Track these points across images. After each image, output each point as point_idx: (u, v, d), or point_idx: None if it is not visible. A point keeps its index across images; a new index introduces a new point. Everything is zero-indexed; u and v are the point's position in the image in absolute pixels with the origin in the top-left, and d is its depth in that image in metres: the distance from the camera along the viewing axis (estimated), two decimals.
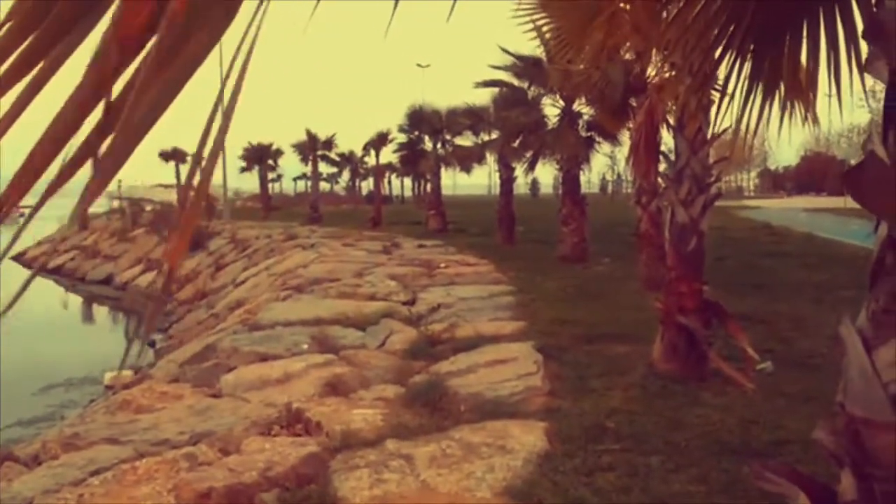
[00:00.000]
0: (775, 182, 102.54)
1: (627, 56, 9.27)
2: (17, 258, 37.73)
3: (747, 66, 4.25)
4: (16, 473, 4.99)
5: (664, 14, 4.91)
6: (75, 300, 27.17)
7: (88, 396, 11.33)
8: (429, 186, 32.67)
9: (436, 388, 5.92)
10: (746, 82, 4.23)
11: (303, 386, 6.42)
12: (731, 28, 4.12)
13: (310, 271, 14.72)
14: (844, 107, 3.62)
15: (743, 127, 4.28)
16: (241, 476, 4.30)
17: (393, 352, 7.75)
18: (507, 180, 21.89)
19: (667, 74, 5.88)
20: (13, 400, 12.01)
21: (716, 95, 5.66)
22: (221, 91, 1.06)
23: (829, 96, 3.76)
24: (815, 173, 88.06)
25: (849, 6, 3.75)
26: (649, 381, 6.21)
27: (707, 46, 4.23)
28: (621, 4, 6.08)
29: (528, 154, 17.09)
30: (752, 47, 4.17)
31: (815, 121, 6.44)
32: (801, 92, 5.53)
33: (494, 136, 21.68)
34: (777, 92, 4.26)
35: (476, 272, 13.99)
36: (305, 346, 7.82)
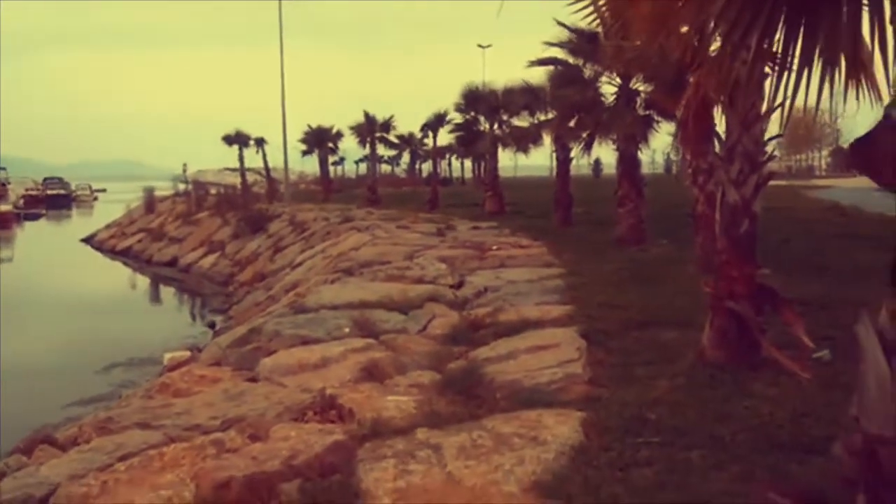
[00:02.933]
0: (847, 161, 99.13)
1: (684, 29, 8.92)
2: (88, 240, 38.90)
3: (801, 37, 3.94)
4: (48, 457, 5.00)
5: None
6: (143, 281, 27.79)
7: (147, 376, 11.50)
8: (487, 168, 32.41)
9: (472, 375, 5.76)
10: (801, 54, 3.92)
11: (339, 371, 6.32)
12: None
13: (361, 254, 14.69)
14: None
15: (800, 102, 3.98)
16: (264, 465, 4.21)
17: (433, 336, 7.60)
18: (564, 161, 21.50)
19: (716, 47, 5.55)
20: (78, 378, 12.35)
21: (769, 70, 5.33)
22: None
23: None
24: None
25: None
26: (697, 370, 5.92)
27: (759, 14, 3.94)
28: None
29: (585, 134, 16.70)
30: (803, 18, 3.86)
31: (879, 97, 6.05)
32: (863, 65, 5.17)
33: (551, 115, 21.30)
34: (837, 65, 3.94)
35: (528, 255, 13.75)
36: (347, 330, 7.73)
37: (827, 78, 3.98)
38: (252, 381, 6.40)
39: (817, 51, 3.97)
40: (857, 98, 5.48)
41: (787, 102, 3.73)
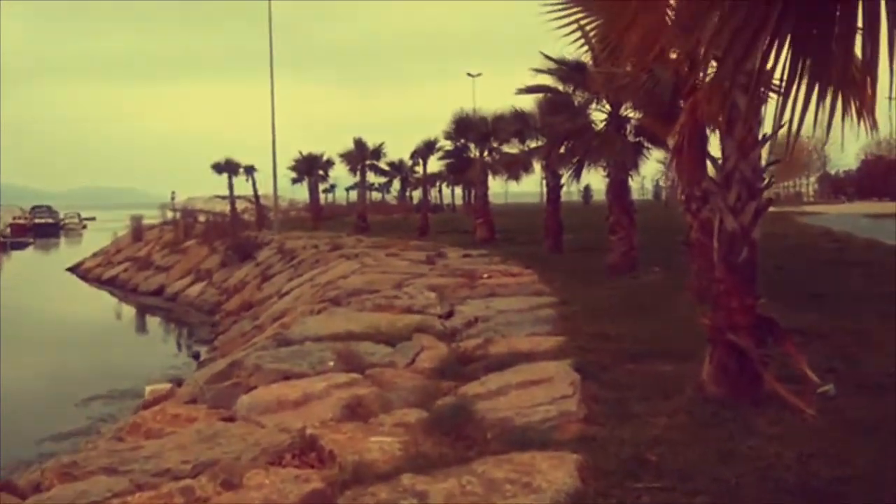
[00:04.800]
0: (835, 187, 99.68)
1: (674, 56, 8.76)
2: (74, 269, 38.49)
3: (800, 63, 3.73)
4: None
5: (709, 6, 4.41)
6: (129, 311, 27.44)
7: (127, 410, 11.22)
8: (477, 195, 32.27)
9: (461, 413, 5.45)
10: (800, 80, 3.72)
11: (321, 409, 6.02)
12: (782, 20, 3.63)
13: (349, 282, 14.41)
14: None
15: (794, 127, 3.76)
16: None
17: (421, 371, 7.31)
18: (555, 188, 21.39)
19: (711, 72, 5.35)
20: (57, 410, 12.07)
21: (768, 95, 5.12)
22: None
23: (890, 98, 3.25)
24: (876, 177, 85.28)
25: None
26: (697, 406, 5.63)
27: (756, 40, 3.73)
28: None
29: (574, 161, 16.54)
30: (804, 42, 3.66)
31: (874, 124, 5.85)
32: (860, 92, 4.97)
33: (541, 142, 21.18)
34: (833, 91, 3.74)
35: (519, 283, 13.50)
36: (331, 364, 7.43)
37: (823, 103, 3.79)
38: (229, 420, 6.08)
39: (815, 75, 3.78)
40: (850, 121, 5.33)
41: (792, 128, 3.53)
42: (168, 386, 10.61)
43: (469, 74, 66.14)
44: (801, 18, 3.22)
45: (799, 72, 3.63)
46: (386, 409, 5.96)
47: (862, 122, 5.71)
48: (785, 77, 3.35)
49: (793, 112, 3.66)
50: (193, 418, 6.20)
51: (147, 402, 9.66)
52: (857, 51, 3.53)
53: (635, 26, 6.19)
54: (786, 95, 3.26)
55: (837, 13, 3.17)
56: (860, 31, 3.42)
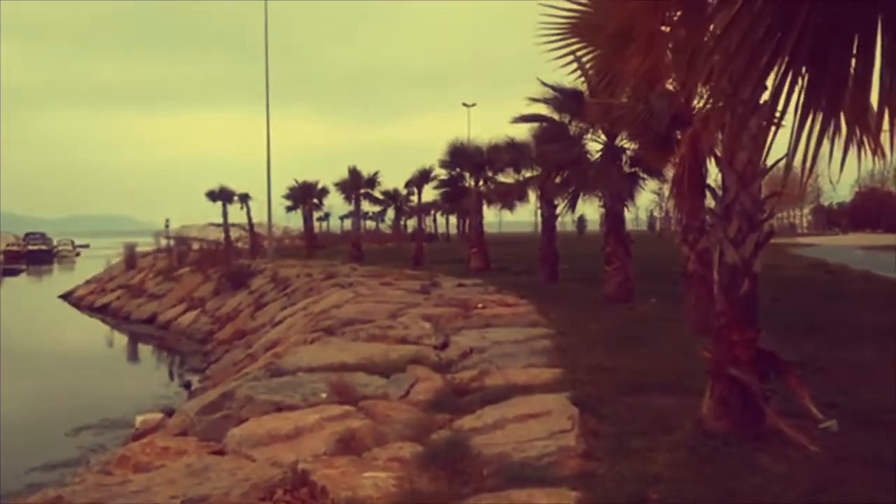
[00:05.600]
0: (829, 219, 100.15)
1: (670, 87, 8.75)
2: (66, 297, 38.25)
3: (801, 92, 3.68)
4: None
5: (707, 36, 4.37)
6: (121, 339, 27.22)
7: (118, 440, 11.06)
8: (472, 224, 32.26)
9: (457, 448, 5.32)
10: (801, 110, 3.66)
11: (314, 442, 5.88)
12: (782, 51, 3.58)
13: (343, 312, 14.27)
14: None
15: (799, 158, 3.70)
16: None
17: (416, 403, 7.17)
18: (550, 217, 21.35)
19: (711, 103, 5.31)
20: (48, 439, 11.89)
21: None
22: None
23: (890, 131, 3.21)
24: (870, 210, 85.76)
25: None
26: (698, 442, 5.51)
27: (758, 70, 3.68)
28: (662, 28, 5.55)
29: (570, 191, 16.52)
30: (805, 72, 3.61)
31: (880, 153, 5.79)
32: (863, 121, 4.92)
33: (536, 172, 21.19)
34: (836, 121, 3.68)
35: (514, 313, 13.38)
36: (324, 396, 7.30)
37: (827, 134, 3.73)
38: (219, 453, 5.94)
39: (816, 105, 3.73)
40: (862, 154, 5.27)
41: (806, 160, 3.47)
42: (159, 416, 10.46)
43: (465, 104, 66.74)
44: (815, 53, 3.17)
45: (801, 104, 3.58)
46: (380, 443, 5.83)
47: (860, 152, 5.66)
48: (799, 110, 3.30)
49: (795, 144, 3.61)
50: (183, 451, 6.05)
51: (137, 433, 9.52)
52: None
53: (634, 58, 6.16)
54: (800, 128, 3.20)
55: (854, 50, 3.13)
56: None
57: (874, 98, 3.24)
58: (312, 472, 5.08)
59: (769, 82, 3.71)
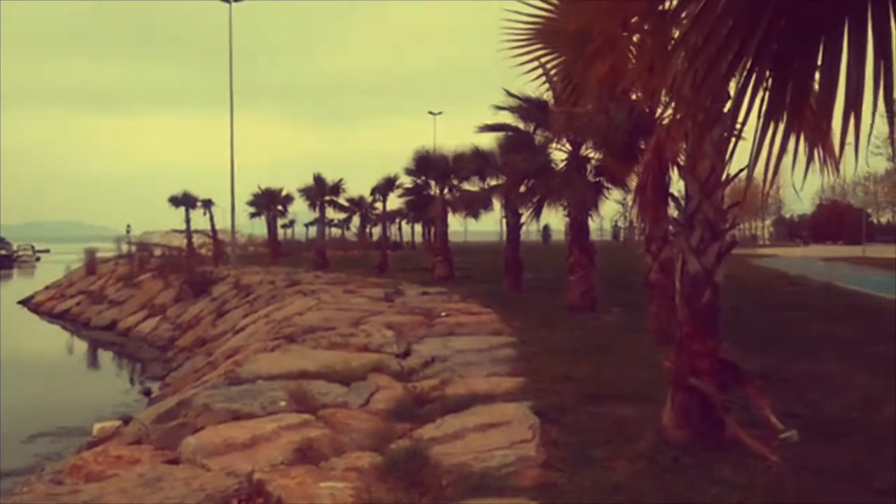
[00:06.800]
0: (790, 230, 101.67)
1: (634, 96, 8.77)
2: (25, 302, 37.52)
3: (764, 101, 3.67)
4: None
5: (670, 43, 4.34)
6: (80, 345, 26.76)
7: (74, 448, 10.83)
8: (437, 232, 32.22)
9: (416, 457, 5.24)
10: (763, 119, 3.65)
11: (271, 451, 5.75)
12: (745, 53, 3.56)
13: (305, 319, 14.13)
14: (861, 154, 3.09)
15: (760, 168, 3.69)
16: None
17: (376, 412, 7.07)
18: (514, 226, 21.37)
19: (673, 110, 5.29)
20: (2, 448, 11.54)
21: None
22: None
23: (854, 144, 3.20)
24: (831, 222, 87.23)
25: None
26: (659, 452, 5.49)
27: (720, 74, 3.66)
28: (623, 33, 5.53)
29: (534, 199, 16.54)
30: (768, 78, 3.59)
31: (836, 167, 5.85)
32: (822, 131, 4.94)
33: (501, 180, 21.20)
34: (797, 131, 3.67)
35: (478, 321, 13.33)
36: (283, 404, 7.16)
37: (790, 145, 3.72)
38: (174, 462, 5.79)
39: (778, 114, 3.72)
40: (824, 165, 5.30)
41: (768, 169, 3.45)
42: (117, 423, 10.28)
43: (430, 112, 66.90)
44: (778, 59, 3.14)
45: (763, 112, 3.56)
46: (338, 453, 5.73)
47: (822, 166, 5.70)
48: (761, 119, 3.27)
49: (756, 154, 3.59)
50: (137, 460, 5.90)
51: (94, 441, 9.32)
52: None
53: (597, 64, 6.16)
54: (761, 138, 3.17)
55: (819, 57, 3.11)
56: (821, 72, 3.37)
57: (839, 107, 3.22)
58: (268, 482, 4.97)
59: (732, 90, 3.70)
